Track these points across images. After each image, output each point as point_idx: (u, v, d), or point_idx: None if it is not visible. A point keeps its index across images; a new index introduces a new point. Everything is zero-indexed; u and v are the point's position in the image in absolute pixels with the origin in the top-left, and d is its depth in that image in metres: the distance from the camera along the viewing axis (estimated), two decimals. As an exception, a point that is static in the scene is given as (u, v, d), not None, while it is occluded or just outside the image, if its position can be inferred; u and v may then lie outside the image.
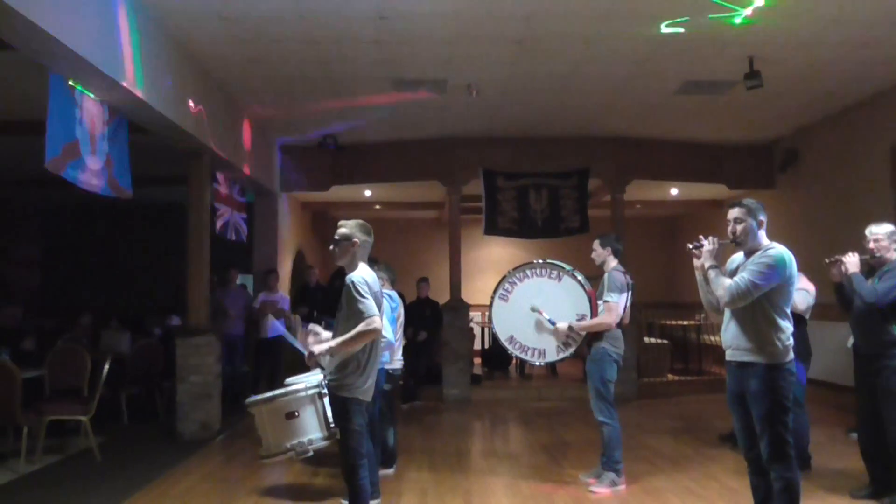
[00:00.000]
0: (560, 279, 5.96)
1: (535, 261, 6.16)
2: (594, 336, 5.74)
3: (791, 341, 3.92)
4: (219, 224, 8.78)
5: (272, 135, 10.47)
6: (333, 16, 6.22)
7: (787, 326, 3.91)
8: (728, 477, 5.92)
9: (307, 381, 4.01)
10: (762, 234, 4.03)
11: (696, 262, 4.16)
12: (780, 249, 3.92)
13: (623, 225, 10.57)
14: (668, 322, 12.66)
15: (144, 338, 9.36)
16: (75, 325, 10.19)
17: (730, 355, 4.06)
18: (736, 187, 11.34)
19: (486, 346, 12.86)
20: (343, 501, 4.81)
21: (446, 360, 10.31)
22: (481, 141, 10.69)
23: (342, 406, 4.00)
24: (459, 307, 10.47)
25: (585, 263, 6.24)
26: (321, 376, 4.07)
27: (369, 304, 3.94)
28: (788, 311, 3.96)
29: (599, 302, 5.75)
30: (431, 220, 15.89)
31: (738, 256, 4.14)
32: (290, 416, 3.94)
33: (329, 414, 3.98)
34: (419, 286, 10.54)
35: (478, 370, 11.77)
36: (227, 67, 7.50)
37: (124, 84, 5.55)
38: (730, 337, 4.03)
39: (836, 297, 5.36)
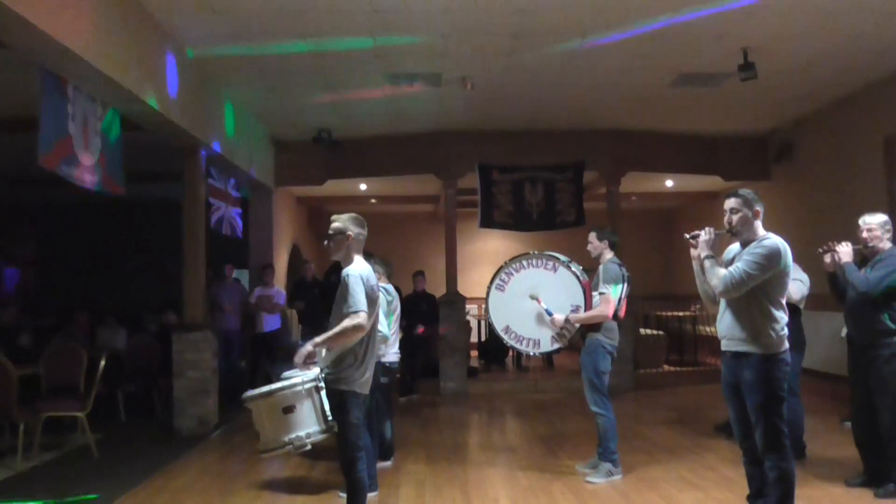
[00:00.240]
0: (556, 270, 5.98)
1: (531, 252, 6.18)
2: (588, 327, 5.75)
3: (785, 332, 3.94)
4: (214, 219, 8.77)
5: (267, 129, 10.44)
6: (327, 8, 6.20)
7: (782, 317, 3.93)
8: (724, 466, 5.95)
9: (304, 375, 4.02)
10: (758, 224, 4.05)
11: (693, 252, 4.17)
12: (775, 240, 3.93)
13: (619, 217, 10.58)
14: (664, 313, 12.70)
15: (140, 334, 9.36)
16: (71, 323, 10.18)
17: (725, 345, 4.08)
18: (731, 179, 11.35)
19: (483, 338, 12.89)
20: (341, 494, 4.83)
21: (443, 353, 10.33)
22: (476, 134, 10.69)
23: (340, 399, 4.00)
24: (456, 300, 10.49)
25: (581, 256, 6.25)
26: (318, 370, 4.07)
27: (359, 299, 3.93)
28: (783, 301, 3.98)
29: (594, 293, 5.76)
30: (427, 214, 15.89)
31: (735, 247, 4.16)
32: (288, 410, 3.95)
33: (326, 407, 3.98)
34: (415, 280, 10.55)
35: (474, 363, 11.80)
36: (219, 61, 7.48)
37: (116, 79, 5.53)
38: (724, 327, 4.05)
39: (830, 287, 5.37)
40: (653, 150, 10.98)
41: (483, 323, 12.94)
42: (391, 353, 6.00)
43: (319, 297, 9.83)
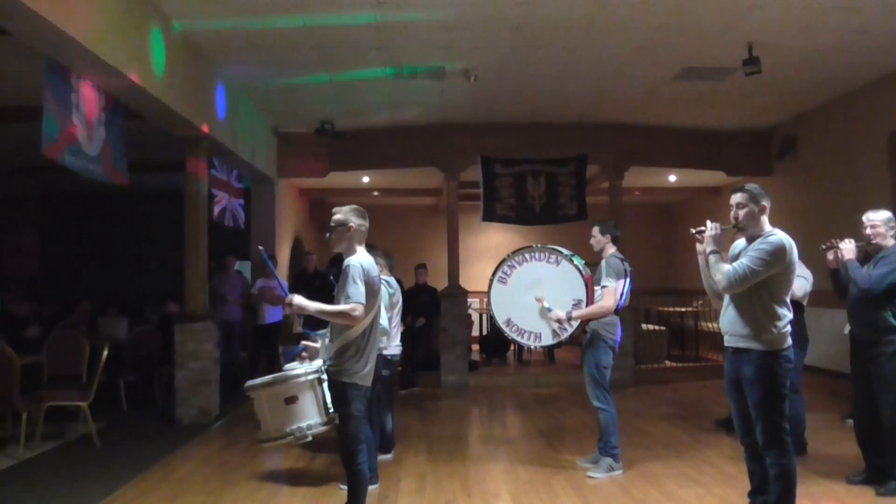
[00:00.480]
0: (558, 264, 5.96)
1: (534, 245, 6.18)
2: (590, 322, 5.75)
3: (788, 329, 3.92)
4: (216, 210, 8.76)
5: (269, 120, 10.43)
6: (332, 1, 6.17)
7: (785, 314, 3.91)
8: (725, 462, 5.95)
9: (306, 367, 4.02)
10: (764, 219, 4.02)
11: (699, 248, 4.16)
12: (780, 236, 3.90)
13: (621, 212, 10.56)
14: (666, 309, 12.70)
15: (142, 324, 9.37)
16: (73, 312, 10.19)
17: (727, 341, 4.07)
18: (734, 174, 11.32)
19: (485, 332, 12.89)
20: (342, 486, 4.84)
21: (444, 346, 10.34)
22: (479, 127, 10.67)
23: (341, 391, 4.01)
24: (457, 294, 10.48)
25: (583, 250, 6.25)
26: (320, 362, 4.07)
27: (359, 290, 3.93)
28: (787, 298, 3.96)
29: (597, 287, 5.76)
30: (429, 207, 15.88)
31: (742, 242, 4.14)
32: (290, 400, 3.95)
33: (328, 399, 3.98)
34: (417, 273, 10.55)
35: (476, 356, 11.80)
36: (224, 53, 7.47)
37: (120, 69, 5.52)
38: (727, 323, 4.04)
39: (832, 284, 5.36)
40: (656, 144, 10.96)
41: (484, 316, 12.93)
42: (393, 346, 6.00)
43: (321, 288, 9.83)
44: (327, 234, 4.22)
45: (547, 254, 6.03)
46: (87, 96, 5.70)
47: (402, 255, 11.27)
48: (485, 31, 6.94)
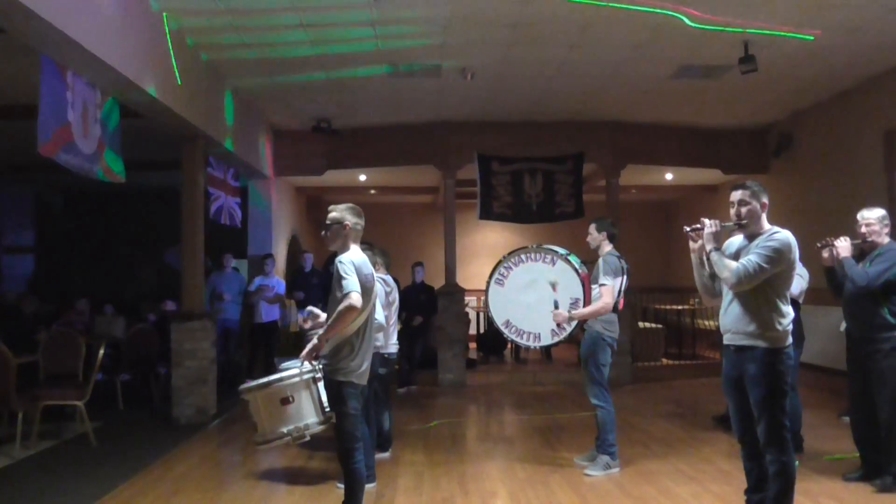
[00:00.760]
0: (554, 263, 5.98)
1: (529, 245, 6.18)
2: (588, 320, 5.75)
3: (791, 326, 3.92)
4: (213, 209, 8.75)
5: (267, 118, 10.42)
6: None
7: (788, 311, 3.90)
8: (721, 459, 5.96)
9: (301, 367, 4.01)
10: (764, 216, 4.01)
11: (693, 245, 4.09)
12: (786, 234, 3.88)
13: (618, 210, 10.56)
14: (663, 306, 12.71)
15: (139, 323, 9.36)
16: (70, 311, 10.18)
17: (729, 339, 4.00)
18: (730, 172, 11.35)
19: (482, 330, 12.90)
20: (339, 485, 4.83)
21: (441, 344, 10.34)
22: (476, 125, 10.66)
23: (337, 390, 4.00)
24: (454, 292, 10.49)
25: (580, 248, 6.26)
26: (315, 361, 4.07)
27: (350, 281, 3.92)
28: (789, 295, 3.96)
29: (594, 286, 5.76)
30: (426, 205, 15.87)
31: (737, 240, 4.08)
32: (286, 401, 3.95)
33: (324, 398, 3.98)
34: (414, 271, 10.54)
35: (473, 355, 11.81)
36: (221, 51, 7.46)
37: (116, 67, 5.51)
38: (730, 321, 3.97)
39: (827, 282, 5.37)
40: (653, 142, 10.97)
41: (482, 315, 12.94)
42: (390, 344, 6.00)
43: (318, 286, 9.83)
44: (323, 233, 4.22)
45: (542, 254, 6.05)
46: (83, 94, 5.69)
47: (400, 254, 11.27)
48: (481, 28, 6.93)
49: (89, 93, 5.80)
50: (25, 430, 6.44)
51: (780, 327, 3.84)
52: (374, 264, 4.40)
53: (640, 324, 11.55)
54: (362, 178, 12.91)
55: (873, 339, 5.02)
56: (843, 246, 5.10)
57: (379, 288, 4.74)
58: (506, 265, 6.12)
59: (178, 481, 5.60)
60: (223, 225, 9.26)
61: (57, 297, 12.11)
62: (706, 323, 11.68)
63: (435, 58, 7.74)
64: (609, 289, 5.62)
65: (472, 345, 12.51)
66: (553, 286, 5.86)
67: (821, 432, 6.72)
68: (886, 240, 5.11)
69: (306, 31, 6.90)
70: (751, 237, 3.99)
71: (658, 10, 6.26)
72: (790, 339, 3.91)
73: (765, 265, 3.77)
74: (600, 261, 5.78)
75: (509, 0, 6.27)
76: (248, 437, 6.47)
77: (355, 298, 3.89)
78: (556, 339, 5.99)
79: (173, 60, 6.68)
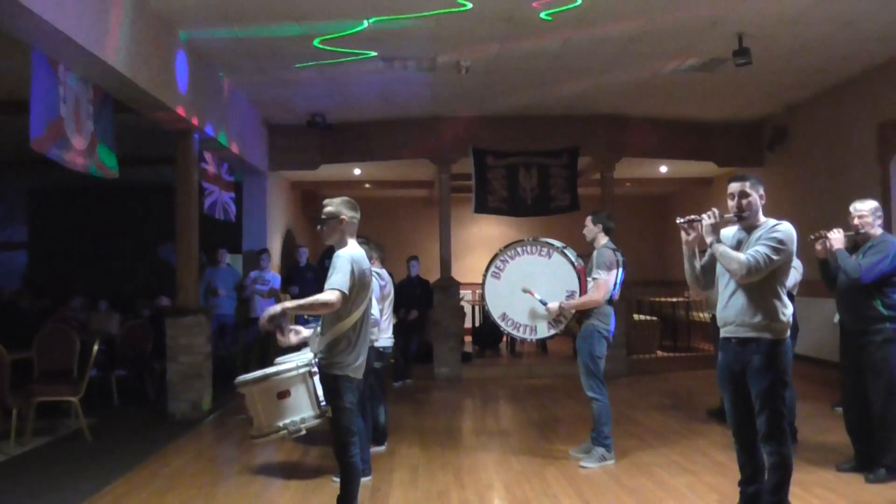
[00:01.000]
0: (550, 256, 5.99)
1: (525, 238, 6.19)
2: (584, 313, 5.77)
3: (792, 318, 3.93)
4: (207, 204, 8.73)
5: (260, 113, 10.39)
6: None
7: (789, 302, 3.92)
8: (716, 451, 5.98)
9: (297, 360, 4.01)
10: (761, 209, 4.01)
11: (685, 237, 4.04)
12: (788, 225, 3.87)
13: (613, 203, 10.57)
14: (658, 299, 12.72)
15: (134, 319, 9.34)
16: (64, 307, 10.16)
17: (731, 332, 3.95)
18: (725, 165, 11.38)
19: (477, 324, 12.91)
20: (334, 479, 4.84)
21: (437, 338, 10.34)
22: (471, 119, 10.65)
23: (333, 384, 4.00)
24: (450, 286, 10.49)
25: (576, 242, 6.26)
26: (311, 355, 4.06)
27: (340, 279, 3.91)
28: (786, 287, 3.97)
29: (589, 279, 5.77)
30: (421, 199, 15.86)
31: (729, 232, 4.06)
32: (282, 395, 3.94)
33: (320, 392, 3.97)
34: (409, 265, 10.55)
35: (469, 348, 11.82)
36: (213, 44, 7.43)
37: (109, 62, 5.49)
38: (733, 313, 3.92)
39: (820, 274, 5.38)
40: (647, 135, 10.97)
41: (477, 308, 12.95)
42: (384, 338, 6.00)
43: (313, 281, 9.82)
44: (319, 227, 4.20)
45: (539, 247, 6.05)
46: (75, 89, 5.66)
47: (395, 248, 11.29)
48: (476, 22, 6.91)
49: (82, 87, 5.78)
50: (20, 427, 6.42)
51: (784, 318, 3.85)
52: (369, 258, 4.39)
53: (635, 316, 11.57)
54: (357, 172, 12.90)
55: (866, 331, 5.04)
56: (837, 238, 5.12)
57: (374, 283, 4.73)
58: (502, 258, 6.12)
59: (173, 477, 5.60)
60: (218, 220, 9.24)
61: (51, 294, 12.07)
62: (701, 315, 11.70)
63: (429, 51, 7.72)
64: (601, 283, 5.63)
65: (468, 338, 12.51)
66: (527, 292, 5.88)
67: (814, 423, 6.74)
68: (879, 231, 5.13)
69: (300, 25, 6.87)
70: (748, 229, 3.98)
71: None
72: (789, 331, 3.92)
73: (773, 256, 3.77)
74: (595, 254, 5.79)
75: (503, -7, 6.26)
76: (244, 433, 6.47)
77: (336, 298, 3.86)
78: (552, 332, 6.01)
79: (167, 53, 6.66)
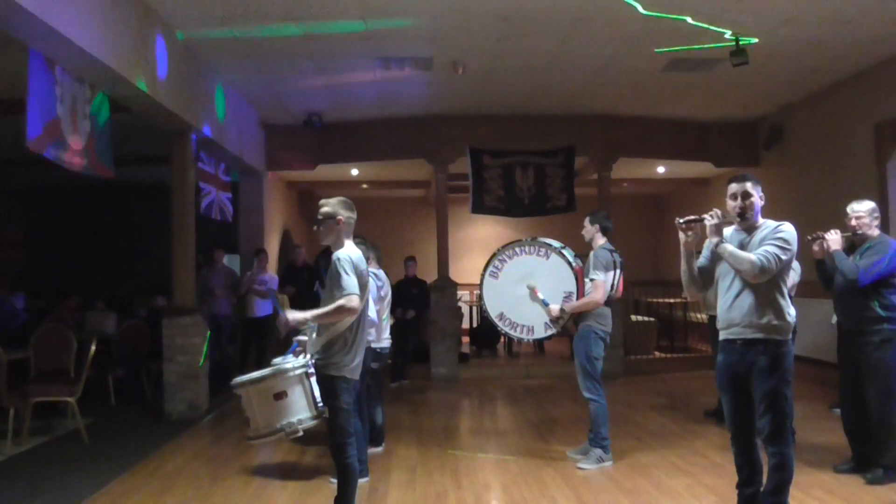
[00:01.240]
0: (548, 257, 5.98)
1: (523, 238, 6.18)
2: (581, 313, 5.76)
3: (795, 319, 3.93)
4: (203, 204, 8.71)
5: (257, 113, 10.37)
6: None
7: (790, 303, 3.92)
8: (713, 452, 5.98)
9: (294, 361, 4.00)
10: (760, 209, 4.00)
11: (683, 238, 3.97)
12: (790, 226, 3.86)
13: (609, 203, 10.57)
14: (655, 300, 12.74)
15: (130, 319, 9.32)
16: (61, 307, 10.13)
17: (736, 333, 3.90)
18: (722, 165, 11.38)
19: (475, 324, 12.90)
20: (332, 480, 4.83)
21: (434, 338, 10.34)
22: (468, 119, 10.64)
23: (330, 385, 4.00)
24: (447, 286, 10.48)
25: (572, 241, 6.26)
26: (308, 355, 4.05)
27: (351, 281, 3.91)
28: None
29: (586, 280, 5.77)
30: (418, 199, 15.85)
31: (727, 233, 3.99)
32: (279, 396, 3.93)
33: (317, 393, 3.97)
34: (406, 265, 10.54)
35: (466, 349, 11.81)
36: (209, 44, 7.41)
37: (105, 62, 5.47)
38: (739, 314, 3.88)
39: (818, 274, 5.39)
40: (644, 135, 10.97)
41: (475, 309, 12.95)
42: (382, 339, 5.99)
43: (310, 281, 9.81)
44: (315, 227, 4.20)
45: (537, 247, 6.04)
46: (72, 89, 5.64)
47: (391, 248, 11.27)
48: (472, 21, 6.91)
49: (78, 88, 5.76)
50: (16, 427, 6.41)
51: (790, 318, 3.85)
52: (366, 259, 4.39)
53: (633, 317, 11.58)
54: (354, 172, 12.89)
55: (864, 332, 5.05)
56: (834, 239, 5.11)
57: (371, 283, 4.73)
58: (500, 258, 6.11)
59: (170, 477, 5.59)
60: (214, 220, 9.22)
61: (47, 293, 12.05)
62: (698, 316, 11.71)
63: (426, 51, 7.71)
64: (599, 284, 5.63)
65: (465, 339, 12.52)
66: (532, 289, 5.87)
67: (812, 424, 6.75)
68: (876, 232, 5.14)
69: (297, 25, 6.86)
70: (748, 230, 3.95)
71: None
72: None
73: (782, 256, 3.75)
74: (592, 255, 5.79)
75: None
76: (241, 433, 6.47)
77: (355, 302, 3.88)
78: (550, 333, 6.00)
79: (164, 55, 6.64)
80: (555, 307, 5.78)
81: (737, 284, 3.90)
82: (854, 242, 5.21)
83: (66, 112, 5.50)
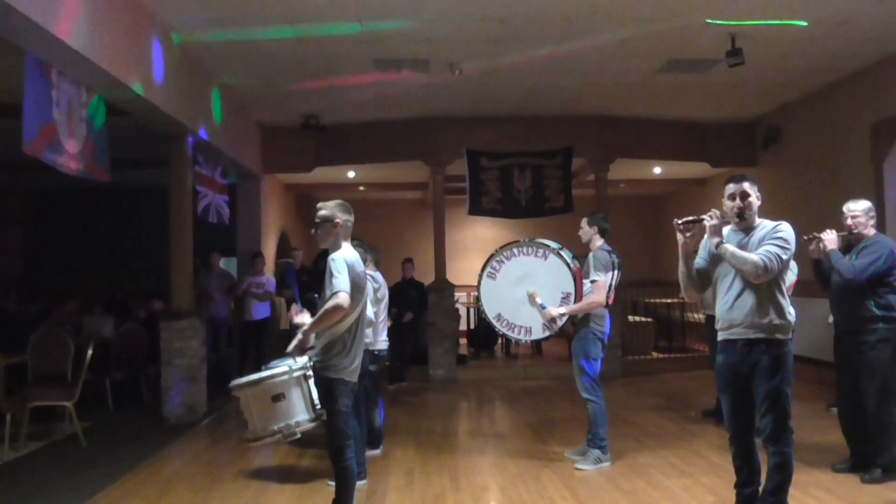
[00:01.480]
0: (546, 258, 5.98)
1: (521, 239, 6.18)
2: (579, 314, 5.76)
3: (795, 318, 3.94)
4: (200, 207, 8.71)
5: (253, 116, 10.37)
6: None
7: (790, 303, 3.93)
8: (712, 452, 5.98)
9: (292, 364, 4.00)
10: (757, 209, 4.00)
11: (681, 239, 3.99)
12: (788, 225, 3.87)
13: (607, 204, 10.57)
14: (653, 300, 12.74)
15: (128, 322, 9.31)
16: (58, 311, 10.12)
17: (738, 333, 3.90)
18: (718, 165, 11.39)
19: (472, 326, 12.90)
20: (330, 482, 4.83)
21: (432, 340, 10.33)
22: (465, 121, 10.65)
23: (328, 387, 4.00)
24: (444, 288, 10.48)
25: (570, 243, 6.26)
26: (306, 358, 4.05)
27: (341, 280, 3.90)
28: None
29: (586, 281, 5.76)
30: (416, 201, 15.86)
31: (724, 233, 3.97)
32: (277, 398, 3.93)
33: (315, 395, 3.97)
34: (404, 267, 10.54)
35: (464, 350, 11.81)
36: (206, 47, 7.41)
37: (101, 65, 5.47)
38: (740, 314, 3.87)
39: (814, 274, 5.40)
40: (641, 136, 10.98)
41: (472, 310, 12.94)
42: (380, 341, 5.98)
43: (307, 284, 9.80)
44: (313, 231, 4.20)
45: (535, 248, 6.04)
46: (68, 92, 5.64)
47: (389, 250, 11.23)
48: (469, 23, 6.91)
49: (74, 91, 5.76)
50: (14, 432, 6.40)
51: (790, 318, 3.86)
52: (364, 261, 4.39)
53: (630, 317, 11.58)
54: (351, 174, 12.88)
55: (860, 331, 5.06)
56: (830, 238, 5.12)
57: (368, 285, 4.72)
58: (498, 259, 6.11)
59: (168, 481, 5.58)
60: (211, 223, 9.22)
61: (45, 297, 12.03)
62: (695, 316, 11.71)
63: (422, 53, 7.72)
64: (600, 285, 5.63)
65: (463, 340, 12.51)
66: (531, 295, 5.86)
67: (809, 424, 6.75)
68: (872, 232, 5.15)
69: (293, 28, 6.86)
70: (746, 230, 3.96)
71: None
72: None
73: (783, 256, 3.76)
74: (591, 256, 5.79)
75: (497, -5, 6.26)
76: (239, 436, 6.47)
77: (343, 298, 3.86)
78: (548, 333, 5.99)
79: (160, 58, 6.64)
80: (553, 310, 5.77)
81: (737, 285, 3.90)
82: (850, 242, 5.22)
83: (62, 116, 5.50)
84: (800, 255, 5.56)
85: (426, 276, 10.78)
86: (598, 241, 5.83)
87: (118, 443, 6.79)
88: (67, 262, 14.28)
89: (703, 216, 3.94)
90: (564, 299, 5.82)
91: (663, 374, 10.53)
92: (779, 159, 10.57)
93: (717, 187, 4.09)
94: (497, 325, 6.11)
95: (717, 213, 3.91)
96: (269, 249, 11.59)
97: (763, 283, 3.81)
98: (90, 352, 6.75)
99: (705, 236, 4.01)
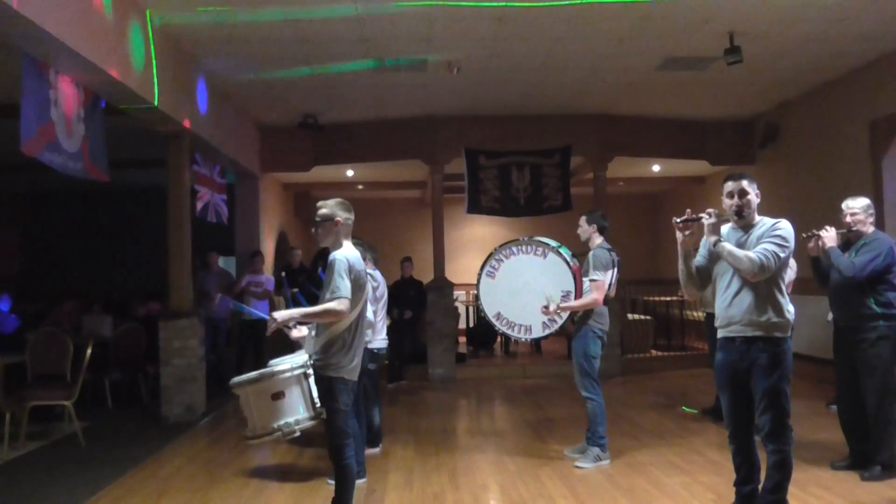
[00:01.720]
0: (545, 256, 5.98)
1: (521, 238, 6.18)
2: (578, 312, 5.76)
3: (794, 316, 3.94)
4: (199, 206, 8.70)
5: (252, 115, 10.36)
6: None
7: (789, 301, 3.93)
8: (711, 450, 5.99)
9: (292, 362, 4.00)
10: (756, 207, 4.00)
11: (680, 237, 3.98)
12: (787, 223, 3.86)
13: (605, 202, 10.56)
14: (652, 298, 12.75)
15: (127, 322, 9.30)
16: (57, 311, 10.11)
17: (736, 331, 3.90)
18: (717, 163, 11.39)
19: (471, 324, 12.90)
20: (329, 481, 4.83)
21: (431, 339, 10.33)
22: (463, 119, 10.65)
23: (328, 386, 3.99)
24: (443, 286, 10.48)
25: (569, 241, 6.26)
26: (306, 356, 4.05)
27: (344, 284, 3.91)
28: None
29: (585, 279, 5.76)
30: (414, 200, 15.85)
31: (723, 231, 3.99)
32: (277, 396, 3.92)
33: (315, 394, 3.96)
34: (403, 266, 10.54)
35: (463, 349, 11.81)
36: (204, 46, 7.40)
37: (99, 65, 5.46)
38: (739, 312, 3.87)
39: (813, 272, 5.40)
40: (640, 134, 10.98)
41: (471, 309, 12.94)
42: (379, 340, 5.98)
43: (306, 283, 9.79)
44: (313, 229, 4.19)
45: (534, 246, 6.04)
46: (66, 92, 5.63)
47: (388, 249, 11.26)
48: (467, 21, 6.91)
49: (73, 91, 5.74)
50: (13, 432, 6.40)
51: (789, 316, 3.86)
52: (363, 260, 4.39)
53: (629, 315, 11.59)
54: (350, 173, 12.88)
55: (860, 329, 5.06)
56: (829, 236, 5.12)
57: (367, 284, 4.72)
58: (497, 257, 6.11)
59: (167, 480, 5.58)
60: (210, 222, 9.21)
61: (43, 297, 12.02)
62: (694, 314, 11.72)
63: (421, 52, 7.71)
64: (600, 284, 5.63)
65: (462, 339, 12.52)
66: (548, 300, 5.81)
67: (809, 421, 6.76)
68: (871, 229, 5.15)
69: (291, 27, 6.85)
70: (745, 228, 3.96)
71: None
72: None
73: (781, 254, 3.76)
74: (590, 255, 5.78)
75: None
76: (238, 435, 6.46)
77: (345, 305, 3.87)
78: (547, 332, 6.00)
79: (154, 56, 6.63)
80: (554, 306, 5.76)
81: (736, 283, 3.90)
82: (849, 239, 5.22)
83: (60, 116, 5.49)
84: (798, 253, 5.58)
85: (425, 275, 10.77)
86: (598, 240, 5.83)
87: (117, 442, 6.78)
88: (66, 262, 14.28)
89: (702, 214, 3.95)
90: (564, 297, 5.82)
91: (662, 372, 10.53)
92: (777, 157, 10.57)
93: (716, 185, 4.10)
94: (496, 323, 6.11)
95: (715, 211, 3.92)
96: (268, 248, 11.59)
97: (762, 281, 3.81)
98: (89, 351, 6.74)
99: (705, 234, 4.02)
